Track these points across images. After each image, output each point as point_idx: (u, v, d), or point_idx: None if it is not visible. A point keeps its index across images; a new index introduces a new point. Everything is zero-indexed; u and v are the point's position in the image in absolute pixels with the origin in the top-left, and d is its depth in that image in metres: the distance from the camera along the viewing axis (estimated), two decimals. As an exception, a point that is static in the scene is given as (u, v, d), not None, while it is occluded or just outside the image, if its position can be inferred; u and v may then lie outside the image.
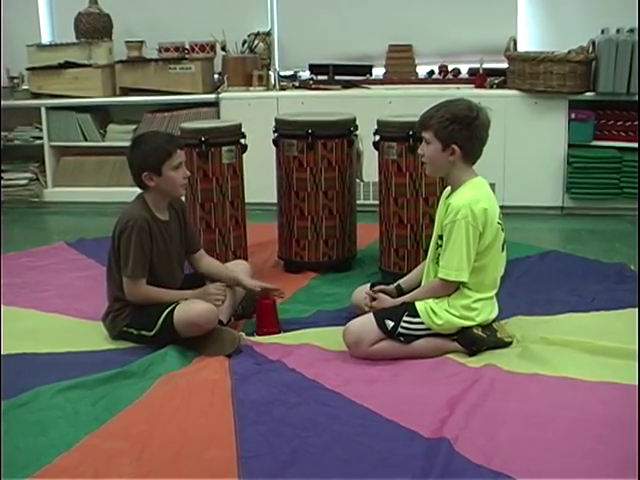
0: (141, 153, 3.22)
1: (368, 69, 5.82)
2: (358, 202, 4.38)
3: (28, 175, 5.91)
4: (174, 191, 3.27)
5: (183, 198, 3.65)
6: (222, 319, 3.24)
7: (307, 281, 4.05)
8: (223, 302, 3.23)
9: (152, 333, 3.14)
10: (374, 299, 3.16)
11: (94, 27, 5.82)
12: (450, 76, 5.74)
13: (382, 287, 3.25)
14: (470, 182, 3.04)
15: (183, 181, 3.26)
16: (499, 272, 3.12)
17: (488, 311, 3.07)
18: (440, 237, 3.04)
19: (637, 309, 3.35)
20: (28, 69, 5.87)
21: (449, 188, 3.15)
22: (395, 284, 3.27)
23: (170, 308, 3.11)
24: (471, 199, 2.97)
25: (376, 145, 4.01)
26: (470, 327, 3.02)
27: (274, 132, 4.17)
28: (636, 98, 5.10)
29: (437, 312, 3.01)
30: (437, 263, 3.06)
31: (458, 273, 2.97)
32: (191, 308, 3.10)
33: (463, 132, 2.97)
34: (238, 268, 3.54)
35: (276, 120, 4.21)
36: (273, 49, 6.03)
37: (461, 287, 3.02)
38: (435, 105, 3.07)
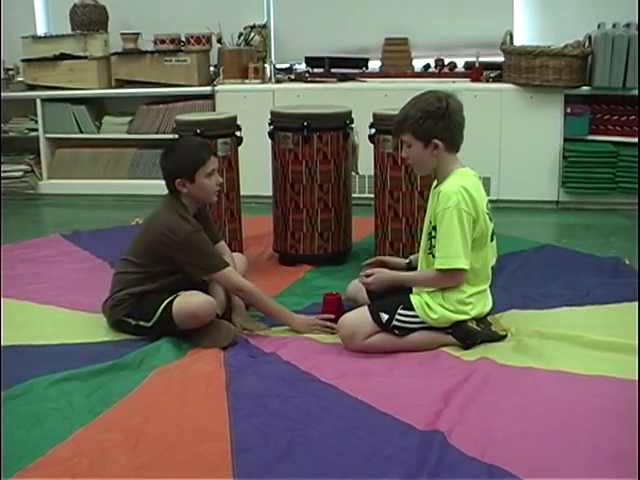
0: (175, 159, 3.23)
1: (364, 62, 5.82)
2: (353, 195, 4.39)
3: (23, 167, 5.89)
4: (207, 198, 3.29)
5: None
6: (218, 312, 3.24)
7: (302, 274, 4.05)
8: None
9: (150, 324, 3.14)
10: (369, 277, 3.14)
11: (90, 19, 5.81)
12: (446, 70, 5.73)
13: (388, 258, 3.24)
14: (457, 171, 3.04)
15: (216, 188, 3.28)
16: (491, 263, 3.11)
17: (482, 304, 3.07)
18: (434, 228, 3.04)
19: (637, 304, 3.35)
20: (23, 61, 5.86)
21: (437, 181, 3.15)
22: (407, 259, 3.28)
23: (169, 299, 3.11)
24: (460, 185, 2.96)
25: (372, 138, 4.02)
26: (465, 320, 3.02)
27: (270, 125, 4.16)
28: (631, 93, 5.11)
29: (432, 306, 3.01)
30: (430, 254, 3.06)
31: (454, 260, 2.94)
32: (190, 300, 3.10)
33: (439, 124, 2.96)
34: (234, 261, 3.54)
35: (272, 113, 4.21)
36: (269, 42, 6.02)
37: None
38: (404, 106, 3.07)
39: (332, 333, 3.19)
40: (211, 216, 3.59)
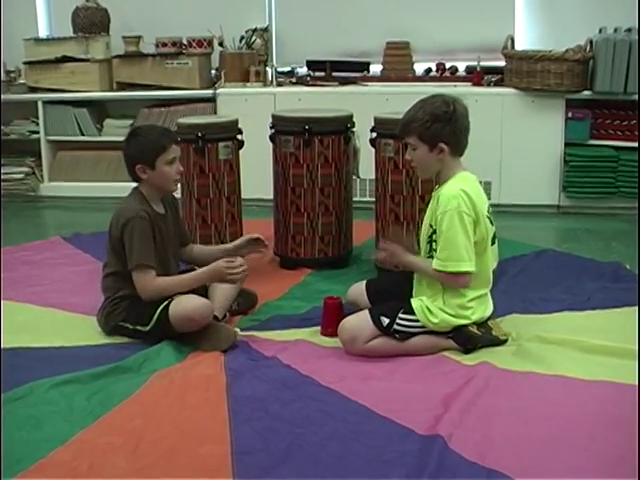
0: (136, 145, 3.23)
1: (365, 66, 5.82)
2: (354, 199, 4.40)
3: (24, 169, 5.90)
4: (166, 186, 3.27)
5: (179, 194, 3.63)
6: (217, 315, 3.24)
7: (303, 277, 4.05)
8: (244, 273, 3.20)
9: (147, 328, 3.13)
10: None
11: (91, 21, 5.81)
12: (447, 74, 5.74)
13: None
14: (459, 175, 3.03)
15: (176, 176, 3.26)
16: (492, 267, 3.11)
17: (483, 308, 3.06)
18: (435, 231, 3.03)
19: (637, 308, 3.35)
20: (25, 63, 5.87)
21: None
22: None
23: (165, 303, 3.11)
24: (460, 188, 2.96)
25: (373, 142, 4.02)
26: (465, 325, 3.02)
27: (271, 128, 4.17)
28: (632, 97, 5.11)
29: (433, 311, 3.01)
30: (430, 257, 3.05)
31: (458, 264, 2.93)
32: (187, 303, 3.10)
33: (446, 128, 2.96)
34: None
35: (273, 116, 4.21)
36: (270, 45, 6.03)
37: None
38: (410, 108, 3.06)
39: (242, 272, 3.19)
40: (182, 218, 3.60)
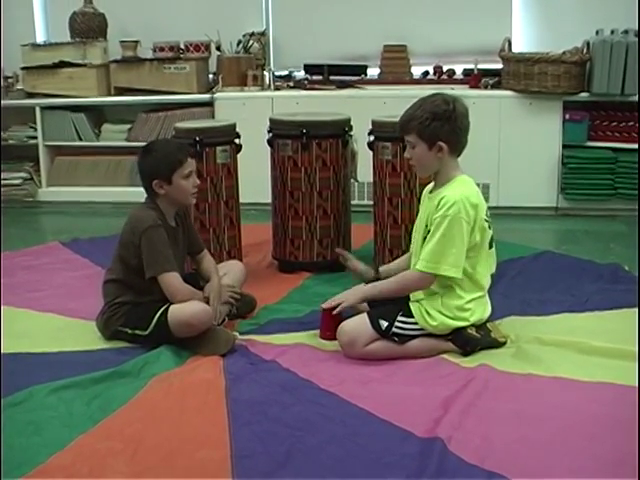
0: (152, 161, 3.24)
1: (363, 69, 5.83)
2: (352, 202, 4.39)
3: (22, 175, 5.89)
4: (184, 200, 3.28)
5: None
6: (217, 320, 3.24)
7: (301, 281, 4.05)
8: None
9: (146, 332, 3.13)
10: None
11: (89, 27, 5.81)
12: (445, 76, 5.74)
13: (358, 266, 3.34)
14: (459, 178, 3.03)
15: (193, 190, 3.28)
16: (490, 270, 3.11)
17: (481, 310, 3.06)
18: (429, 232, 3.02)
19: (636, 310, 3.35)
20: (23, 68, 5.86)
21: (431, 184, 3.14)
22: (377, 272, 3.31)
23: (164, 308, 3.11)
24: (463, 194, 2.96)
25: (371, 145, 4.02)
26: (464, 327, 3.02)
27: (269, 132, 4.17)
28: (630, 99, 5.12)
29: (431, 313, 3.01)
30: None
31: (448, 268, 2.93)
32: (186, 308, 3.10)
33: (445, 127, 2.96)
34: (232, 269, 3.54)
35: (271, 120, 4.21)
36: (268, 49, 6.03)
37: (454, 287, 3.01)
38: (410, 106, 3.06)
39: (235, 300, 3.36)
40: (193, 226, 3.60)
